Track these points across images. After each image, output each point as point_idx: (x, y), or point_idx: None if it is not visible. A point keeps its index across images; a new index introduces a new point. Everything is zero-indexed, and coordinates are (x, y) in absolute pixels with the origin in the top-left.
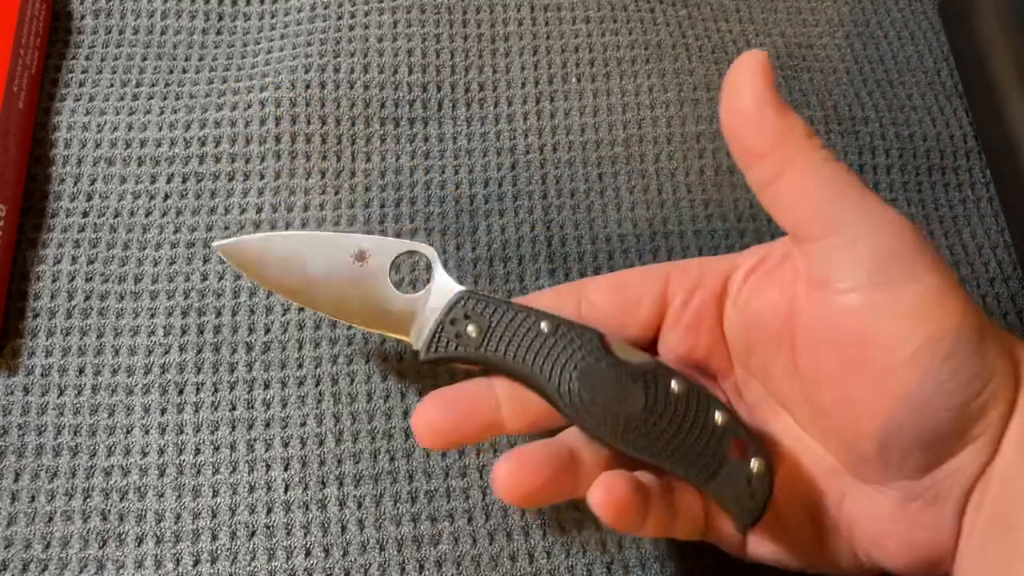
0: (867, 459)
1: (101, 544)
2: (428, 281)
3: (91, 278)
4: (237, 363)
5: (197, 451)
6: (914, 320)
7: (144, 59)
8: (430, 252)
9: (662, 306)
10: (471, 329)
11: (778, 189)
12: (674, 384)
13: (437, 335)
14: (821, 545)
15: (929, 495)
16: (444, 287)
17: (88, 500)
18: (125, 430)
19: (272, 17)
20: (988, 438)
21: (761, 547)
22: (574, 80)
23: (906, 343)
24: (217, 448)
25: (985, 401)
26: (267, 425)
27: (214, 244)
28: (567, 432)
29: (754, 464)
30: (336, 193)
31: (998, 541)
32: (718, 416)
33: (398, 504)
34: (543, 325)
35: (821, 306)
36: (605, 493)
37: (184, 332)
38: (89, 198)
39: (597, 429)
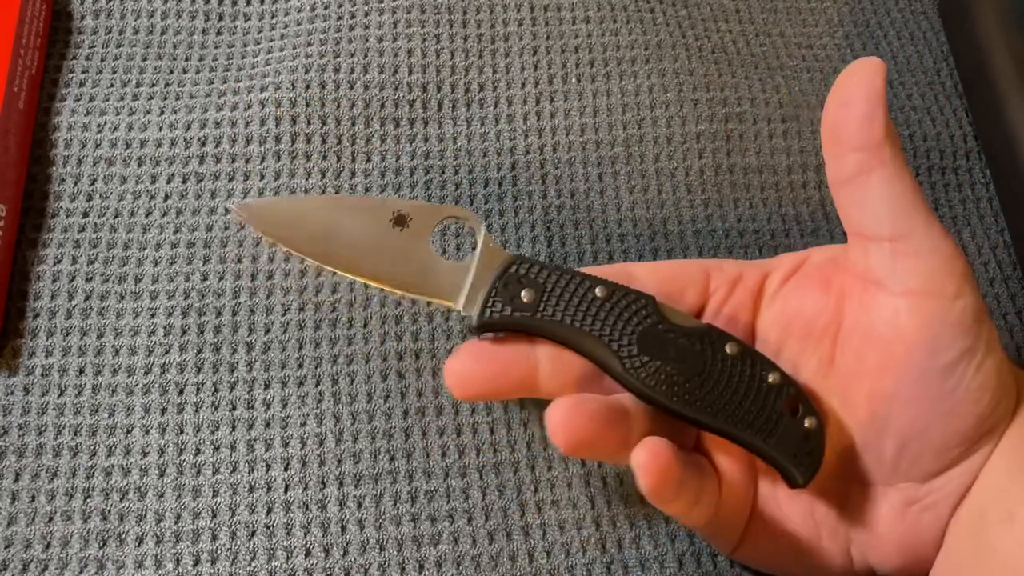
0: (883, 458)
1: (101, 544)
2: (473, 247)
3: (91, 278)
4: (237, 363)
5: (197, 451)
6: (958, 331)
7: (144, 59)
8: (476, 219)
9: (704, 297)
10: (525, 294)
11: (862, 185)
12: (728, 347)
13: (491, 300)
14: (815, 546)
15: (927, 500)
16: (493, 252)
17: (88, 500)
18: (125, 430)
19: (272, 17)
20: (987, 449)
21: (752, 550)
22: (574, 80)
23: (949, 350)
24: (217, 448)
25: (1000, 416)
26: (267, 425)
27: (230, 204)
28: (618, 396)
29: (808, 422)
30: (336, 193)
31: (965, 545)
32: (771, 376)
33: (398, 504)
34: (598, 290)
35: (873, 303)
36: (649, 455)
37: (184, 332)
38: (89, 198)
39: (658, 392)
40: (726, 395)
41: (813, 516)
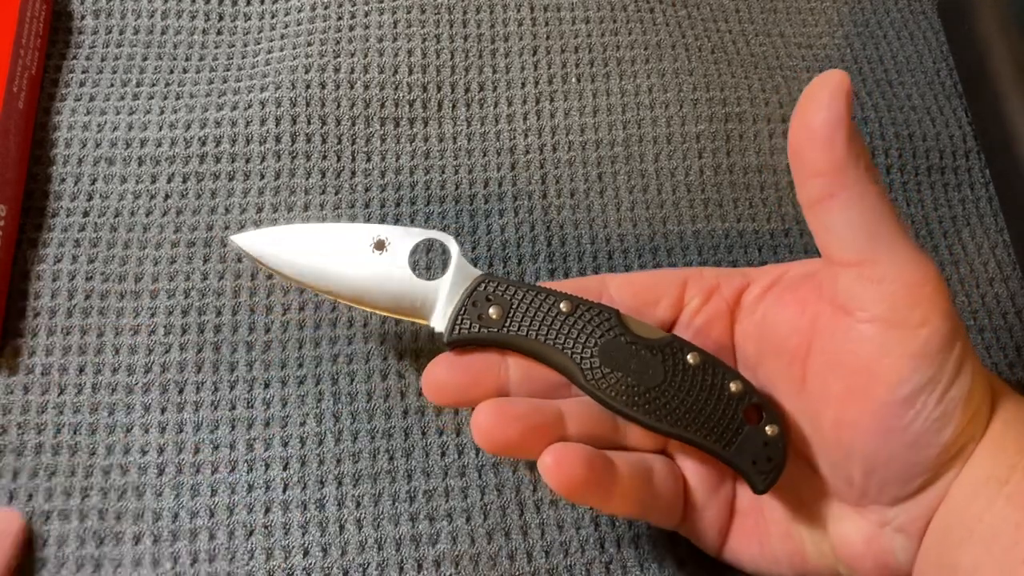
0: (852, 482)
1: (98, 543)
2: (446, 267)
3: (91, 277)
4: (237, 362)
5: (196, 450)
6: (919, 361)
7: (144, 59)
8: (448, 240)
9: (677, 309)
10: (492, 311)
11: (826, 209)
12: (690, 356)
13: (460, 317)
14: (799, 554)
15: (899, 521)
16: (463, 272)
17: (86, 499)
18: (125, 429)
19: (272, 17)
20: (955, 471)
21: (739, 552)
22: (574, 80)
23: (908, 382)
24: (216, 447)
25: (968, 439)
26: (267, 424)
27: (229, 236)
28: (568, 401)
29: (769, 429)
30: (336, 193)
31: (932, 566)
32: (733, 385)
33: (396, 503)
34: (562, 305)
35: (839, 329)
36: (553, 462)
37: (184, 331)
38: (89, 198)
39: (618, 402)
40: (686, 404)
41: (795, 524)
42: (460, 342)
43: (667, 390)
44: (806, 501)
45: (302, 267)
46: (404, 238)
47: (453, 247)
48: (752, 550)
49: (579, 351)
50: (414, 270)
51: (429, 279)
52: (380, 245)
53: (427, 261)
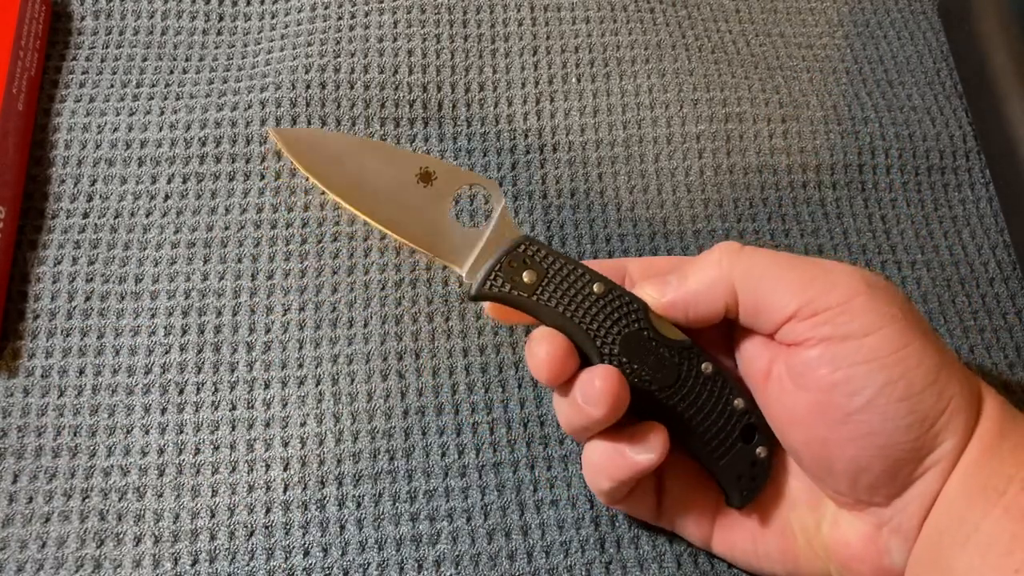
0: (840, 490)
1: (99, 544)
2: (488, 218)
3: (91, 279)
4: (237, 363)
5: (197, 451)
6: (870, 367)
7: (144, 59)
8: (497, 191)
9: None
10: (527, 275)
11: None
12: (704, 365)
13: (493, 274)
14: (793, 551)
15: (895, 522)
16: (505, 228)
17: (87, 500)
18: (125, 430)
19: (272, 17)
20: (943, 467)
21: (732, 546)
22: (574, 80)
23: (864, 389)
24: (217, 448)
25: (938, 432)
26: (267, 425)
27: (268, 129)
28: None
29: (760, 451)
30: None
31: (927, 567)
32: (737, 402)
33: (397, 503)
34: (596, 286)
35: (792, 358)
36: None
37: (184, 332)
38: (89, 199)
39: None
40: (691, 410)
41: (790, 522)
42: (488, 298)
43: (676, 392)
44: (801, 501)
45: (340, 178)
46: (453, 177)
47: (500, 201)
48: (745, 545)
49: (602, 335)
50: (456, 213)
51: (469, 225)
52: (426, 177)
53: (470, 208)
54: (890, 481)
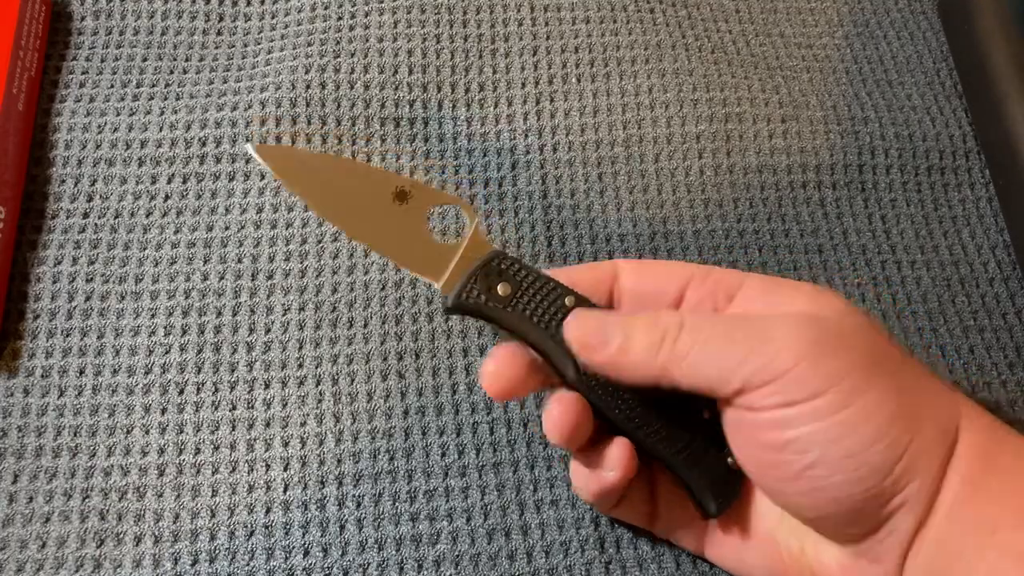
0: (809, 526)
1: (99, 543)
2: (460, 234)
3: (91, 279)
4: (237, 363)
5: (197, 451)
6: (815, 428)
7: (144, 59)
8: (469, 209)
9: (678, 304)
10: (501, 287)
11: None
12: None
13: (469, 286)
14: (778, 562)
15: (872, 554)
16: (479, 242)
17: (87, 500)
18: (125, 430)
19: (272, 17)
20: (915, 504)
21: (721, 555)
22: (574, 80)
23: (812, 447)
24: (217, 448)
25: (898, 477)
26: (267, 425)
27: (246, 145)
28: None
29: (731, 461)
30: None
31: None
32: (706, 412)
33: (397, 503)
34: (567, 300)
35: (743, 417)
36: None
37: (184, 332)
38: (89, 199)
39: (600, 402)
40: (662, 419)
41: (775, 537)
42: (463, 309)
43: (649, 403)
44: (784, 521)
45: (321, 196)
46: (427, 196)
47: (473, 217)
48: (735, 553)
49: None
50: (430, 229)
51: (443, 241)
52: (402, 196)
53: (443, 224)
54: (852, 525)
